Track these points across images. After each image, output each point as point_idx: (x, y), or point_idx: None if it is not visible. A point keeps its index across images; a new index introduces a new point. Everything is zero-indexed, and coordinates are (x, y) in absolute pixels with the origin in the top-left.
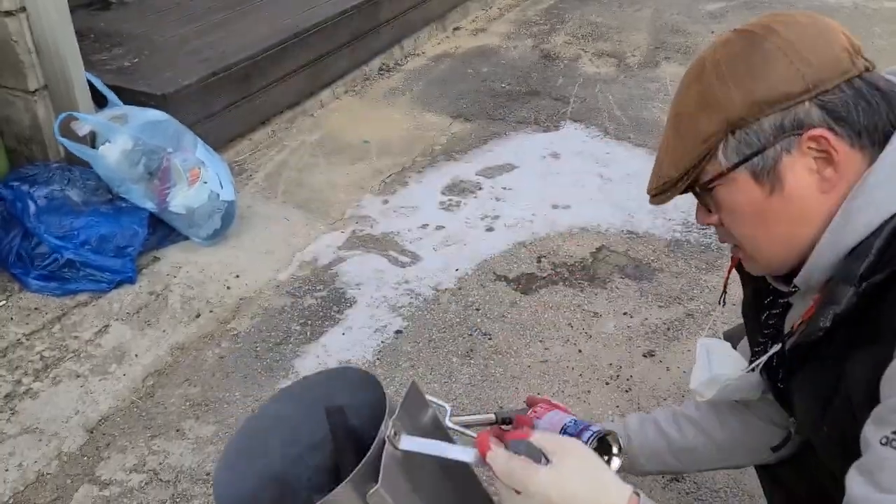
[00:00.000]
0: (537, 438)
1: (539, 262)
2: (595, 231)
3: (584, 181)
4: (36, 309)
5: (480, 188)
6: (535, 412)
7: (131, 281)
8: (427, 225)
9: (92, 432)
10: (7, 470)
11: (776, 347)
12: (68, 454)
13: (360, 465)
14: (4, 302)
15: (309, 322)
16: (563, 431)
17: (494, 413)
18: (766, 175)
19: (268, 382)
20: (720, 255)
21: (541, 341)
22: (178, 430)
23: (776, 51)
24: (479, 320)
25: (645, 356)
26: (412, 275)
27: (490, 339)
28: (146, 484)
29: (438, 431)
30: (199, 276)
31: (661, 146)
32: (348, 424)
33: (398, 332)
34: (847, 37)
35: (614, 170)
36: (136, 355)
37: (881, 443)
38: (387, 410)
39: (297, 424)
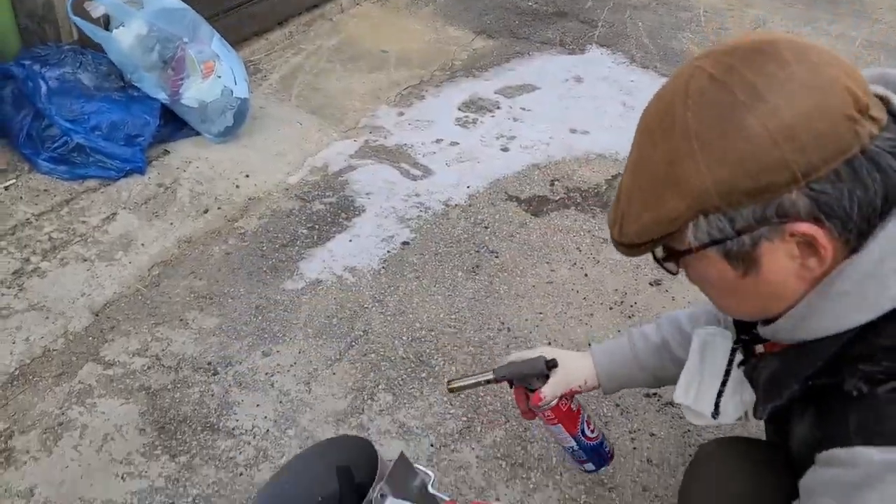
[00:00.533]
0: None
1: (552, 185)
2: (612, 158)
3: (605, 107)
4: (45, 190)
5: (498, 107)
6: None
7: (140, 171)
8: (441, 140)
9: (97, 315)
10: (14, 343)
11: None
12: (74, 333)
13: None
14: (14, 181)
15: (316, 227)
16: None
17: (492, 370)
18: (740, 258)
19: (273, 281)
20: None
21: (547, 263)
22: (181, 320)
23: (761, 131)
24: (487, 238)
25: (651, 284)
26: (423, 188)
27: (497, 257)
28: (148, 368)
29: (424, 495)
30: (208, 172)
31: (624, 194)
32: (354, 481)
33: (405, 243)
34: (853, 93)
35: (638, 98)
36: (143, 245)
37: None
38: (377, 475)
39: (312, 480)
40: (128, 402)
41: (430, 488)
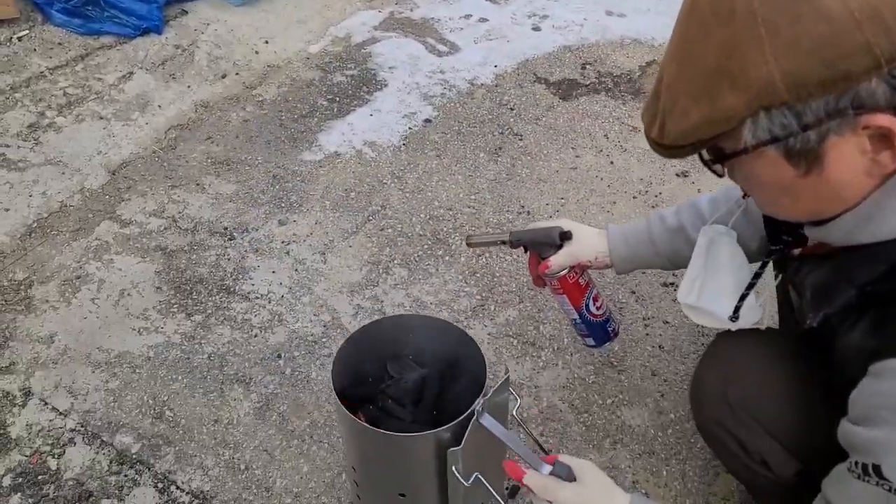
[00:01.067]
0: (564, 460)
1: (583, 68)
2: (648, 44)
3: None
4: (59, 44)
5: None
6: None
7: (157, 30)
8: (470, 16)
9: (114, 174)
10: (31, 196)
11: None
12: (90, 190)
13: (450, 424)
14: (28, 32)
15: (337, 99)
16: None
17: (510, 232)
18: (802, 156)
19: (291, 152)
20: None
21: (573, 148)
22: (198, 184)
23: (842, 11)
24: (511, 120)
25: (678, 175)
26: (448, 65)
27: (521, 139)
28: (165, 229)
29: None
30: (227, 36)
31: (666, 89)
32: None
33: (427, 120)
34: None
35: None
36: (160, 106)
37: (849, 469)
38: (483, 390)
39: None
40: (144, 261)
41: (513, 413)
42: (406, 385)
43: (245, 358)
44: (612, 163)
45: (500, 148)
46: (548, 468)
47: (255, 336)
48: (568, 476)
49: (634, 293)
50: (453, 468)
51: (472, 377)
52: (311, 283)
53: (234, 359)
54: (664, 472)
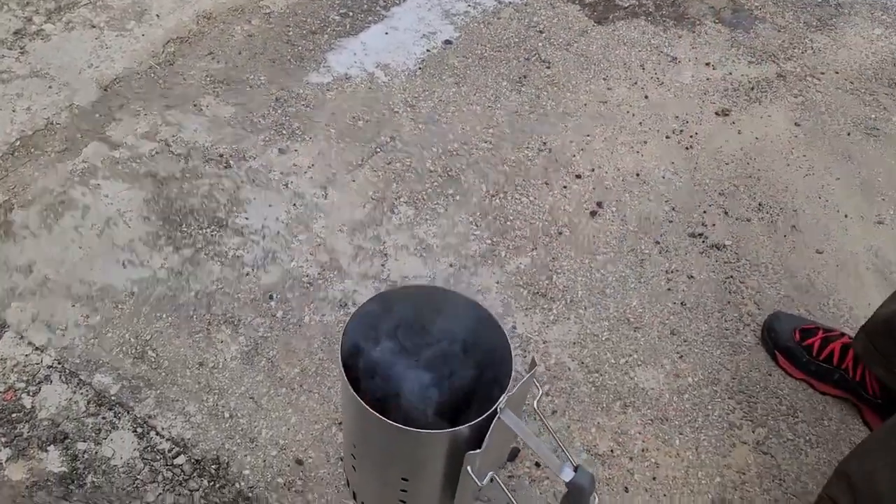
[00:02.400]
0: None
1: None
2: None
3: None
4: None
5: None
6: None
7: None
8: None
9: (106, 90)
10: (14, 111)
11: None
12: (80, 108)
13: (472, 423)
14: None
15: (350, 14)
16: None
17: None
18: None
19: (297, 72)
20: (837, 12)
21: (604, 79)
22: (195, 105)
23: None
24: (540, 45)
25: (717, 114)
26: None
27: (548, 68)
28: (157, 153)
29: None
30: None
31: None
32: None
33: (447, 42)
34: None
35: None
36: (158, 16)
37: None
38: (510, 382)
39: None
40: (133, 188)
41: (534, 405)
42: (419, 359)
43: (234, 298)
44: (646, 97)
45: (524, 76)
46: (569, 473)
47: (247, 275)
48: (590, 485)
49: (659, 244)
50: (468, 468)
51: (493, 360)
52: (310, 220)
53: (223, 298)
54: (677, 441)
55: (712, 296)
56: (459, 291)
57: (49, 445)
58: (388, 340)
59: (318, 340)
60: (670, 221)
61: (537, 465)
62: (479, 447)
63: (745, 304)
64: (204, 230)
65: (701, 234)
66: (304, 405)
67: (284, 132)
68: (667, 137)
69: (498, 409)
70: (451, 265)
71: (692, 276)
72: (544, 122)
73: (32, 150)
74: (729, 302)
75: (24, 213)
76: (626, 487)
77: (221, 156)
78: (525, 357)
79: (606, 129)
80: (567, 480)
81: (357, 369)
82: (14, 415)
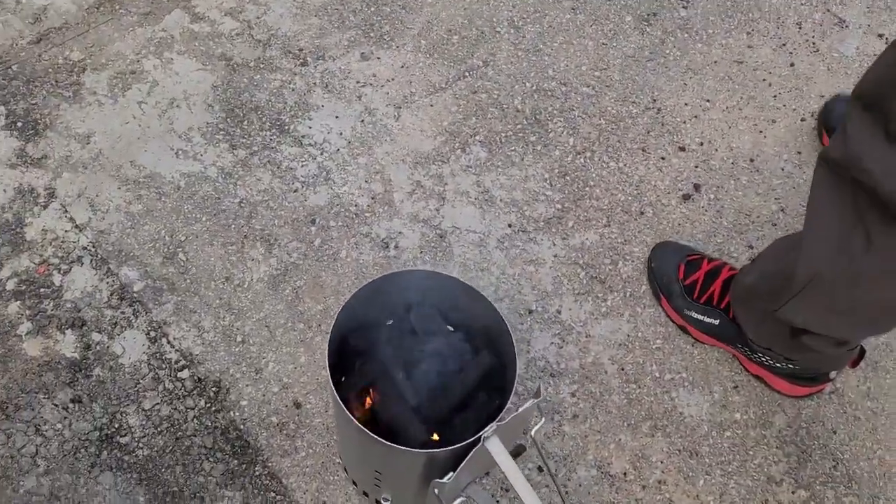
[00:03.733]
0: None
1: None
2: None
3: None
4: None
5: None
6: None
7: None
8: None
9: None
10: None
11: None
12: None
13: (450, 448)
14: None
15: None
16: None
17: None
18: None
19: None
20: None
21: (748, 34)
22: None
23: None
24: None
25: None
26: None
27: (685, 7)
28: (237, 35)
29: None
30: None
31: None
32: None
33: None
34: None
35: None
36: None
37: None
38: (504, 408)
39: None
40: (205, 69)
41: (531, 434)
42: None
43: (277, 214)
44: (791, 65)
45: (654, 14)
46: None
47: (295, 191)
48: None
49: (752, 249)
50: (435, 491)
51: (494, 369)
52: (374, 142)
53: (265, 212)
54: (701, 481)
55: None
56: (479, 289)
57: (67, 329)
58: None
59: (348, 280)
60: (773, 224)
61: (539, 469)
62: (453, 471)
63: None
64: (264, 132)
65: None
66: (317, 347)
67: (372, 35)
68: (802, 120)
69: (482, 438)
70: (509, 225)
71: None
72: (661, 74)
73: (118, 7)
74: None
75: (95, 76)
76: None
77: (301, 50)
78: (561, 346)
79: (732, 97)
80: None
81: (353, 344)
82: (42, 290)
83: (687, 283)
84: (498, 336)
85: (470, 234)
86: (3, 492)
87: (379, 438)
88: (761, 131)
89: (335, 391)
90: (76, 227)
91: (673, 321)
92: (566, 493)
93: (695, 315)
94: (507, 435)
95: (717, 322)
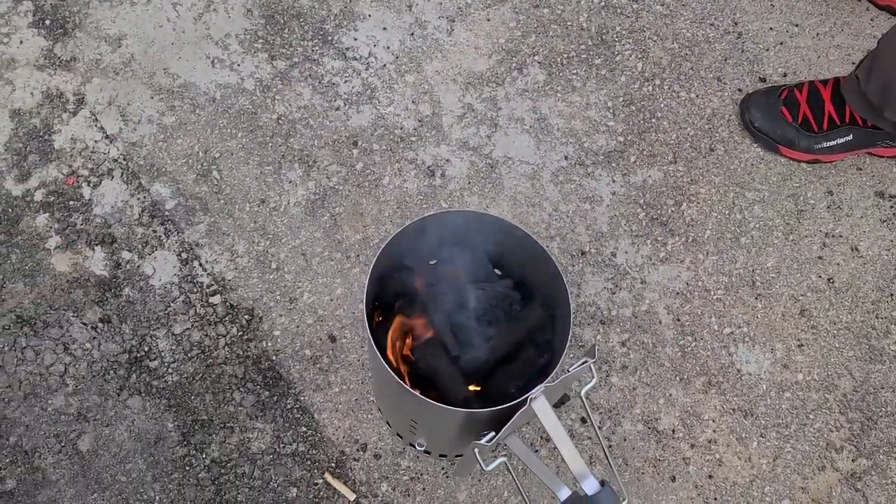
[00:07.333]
0: None
1: None
2: None
3: None
4: None
5: None
6: None
7: None
8: None
9: None
10: None
11: None
12: None
13: (495, 409)
14: None
15: None
16: None
17: None
18: None
19: None
20: None
21: None
22: None
23: None
24: None
25: None
26: None
27: None
28: None
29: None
30: None
31: None
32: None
33: None
34: None
35: None
36: None
37: None
38: (555, 369)
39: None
40: None
41: (582, 394)
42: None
43: (317, 134)
44: None
45: None
46: (595, 485)
47: (337, 109)
48: None
49: (831, 195)
50: (475, 452)
51: (543, 321)
52: (424, 59)
53: (305, 131)
54: (754, 443)
55: (873, 281)
56: (529, 226)
57: (97, 245)
58: (432, 266)
59: (390, 209)
60: (859, 169)
61: (583, 420)
62: (496, 431)
63: None
64: (306, 42)
65: (894, 197)
66: (354, 279)
67: None
68: None
69: (529, 399)
70: (566, 157)
71: (857, 249)
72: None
73: None
74: (893, 294)
75: None
76: (674, 477)
77: None
78: (613, 292)
79: (824, 21)
80: (590, 494)
81: (393, 284)
82: (72, 202)
83: (800, 123)
84: (550, 286)
85: (522, 166)
86: (32, 409)
87: (417, 394)
88: (853, 63)
89: (371, 336)
90: (106, 137)
91: (799, 161)
92: (609, 447)
93: (827, 144)
94: (554, 393)
95: (850, 137)
